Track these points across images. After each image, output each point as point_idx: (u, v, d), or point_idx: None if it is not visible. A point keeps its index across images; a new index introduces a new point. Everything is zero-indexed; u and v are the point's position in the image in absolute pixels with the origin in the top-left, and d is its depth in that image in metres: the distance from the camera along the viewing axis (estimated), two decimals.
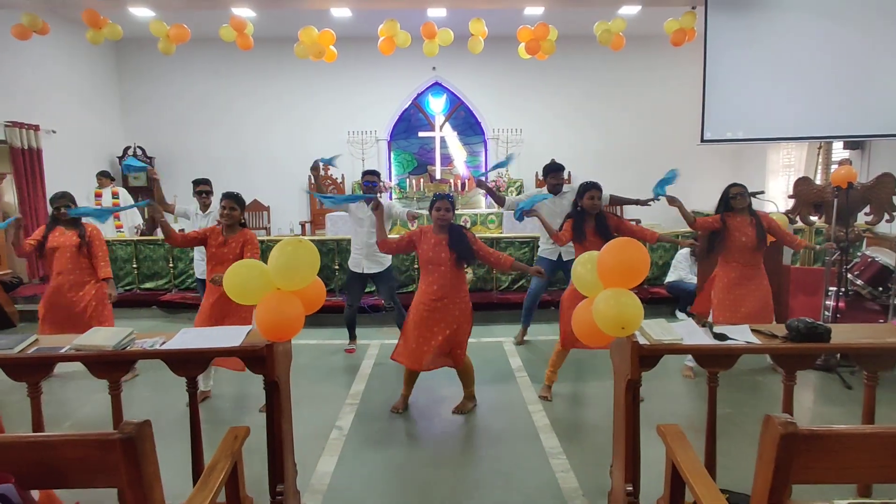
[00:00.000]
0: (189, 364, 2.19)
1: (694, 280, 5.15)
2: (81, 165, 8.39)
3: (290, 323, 2.10)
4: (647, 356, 2.14)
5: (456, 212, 3.61)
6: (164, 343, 2.22)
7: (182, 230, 3.90)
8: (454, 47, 6.97)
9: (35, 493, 1.45)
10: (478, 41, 6.39)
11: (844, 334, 2.22)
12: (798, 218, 5.21)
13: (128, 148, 9.27)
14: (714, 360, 2.19)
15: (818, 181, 7.10)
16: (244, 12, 6.89)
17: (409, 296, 4.11)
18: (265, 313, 2.07)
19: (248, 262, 2.21)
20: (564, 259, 4.60)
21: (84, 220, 4.08)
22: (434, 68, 9.48)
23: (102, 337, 2.21)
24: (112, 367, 2.19)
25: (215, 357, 2.21)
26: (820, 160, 7.76)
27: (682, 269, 5.45)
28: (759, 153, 9.08)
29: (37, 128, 7.27)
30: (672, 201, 3.94)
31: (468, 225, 8.29)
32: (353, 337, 5.01)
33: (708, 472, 2.27)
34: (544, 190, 4.66)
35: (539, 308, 5.15)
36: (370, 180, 4.56)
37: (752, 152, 9.27)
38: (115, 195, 7.39)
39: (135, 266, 6.43)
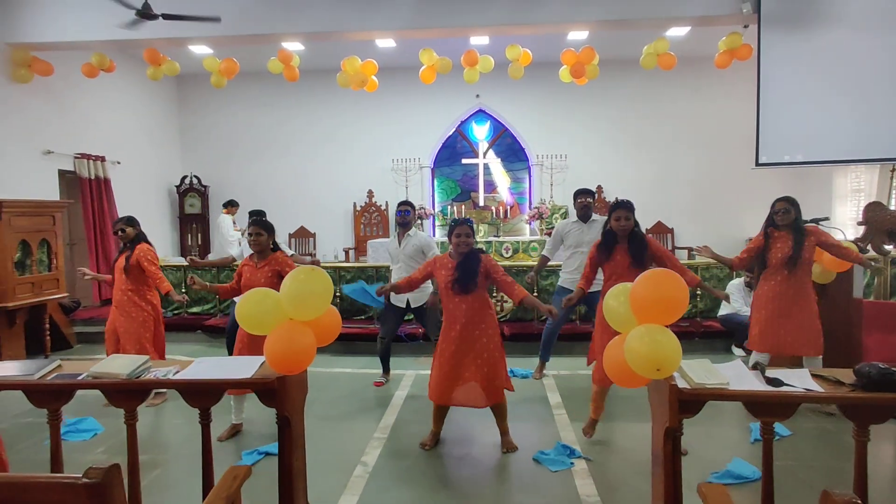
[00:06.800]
0: (202, 394, 2.14)
1: (748, 312, 4.76)
2: (142, 195, 8.85)
3: (299, 355, 2.01)
4: (688, 401, 1.91)
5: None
6: (177, 372, 2.19)
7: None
8: (497, 73, 6.93)
9: None
10: (518, 67, 6.33)
11: None
12: (869, 247, 4.75)
13: (185, 177, 9.72)
14: (768, 409, 1.93)
15: (893, 206, 6.52)
16: (294, 46, 7.13)
17: None
18: (275, 344, 1.99)
19: (262, 290, 2.15)
20: (588, 290, 4.31)
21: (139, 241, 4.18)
22: (478, 96, 9.48)
23: (119, 365, 2.19)
24: (127, 395, 2.16)
25: (227, 389, 2.14)
26: (894, 184, 7.15)
27: (735, 301, 5.06)
28: (824, 177, 8.48)
29: (102, 159, 7.72)
30: (703, 250, 3.69)
31: (510, 253, 8.12)
32: (386, 370, 4.87)
33: None
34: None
35: (578, 340, 4.89)
36: (403, 209, 4.68)
37: (816, 176, 8.66)
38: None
39: (183, 291, 6.62)
